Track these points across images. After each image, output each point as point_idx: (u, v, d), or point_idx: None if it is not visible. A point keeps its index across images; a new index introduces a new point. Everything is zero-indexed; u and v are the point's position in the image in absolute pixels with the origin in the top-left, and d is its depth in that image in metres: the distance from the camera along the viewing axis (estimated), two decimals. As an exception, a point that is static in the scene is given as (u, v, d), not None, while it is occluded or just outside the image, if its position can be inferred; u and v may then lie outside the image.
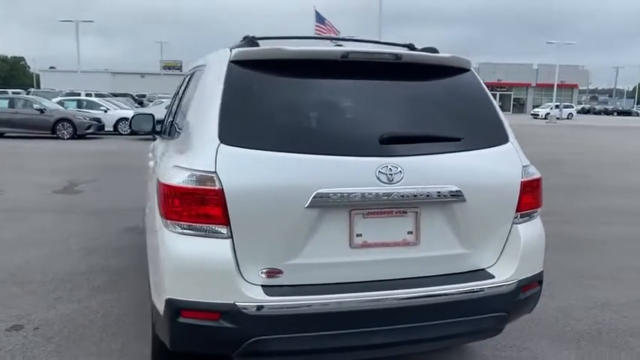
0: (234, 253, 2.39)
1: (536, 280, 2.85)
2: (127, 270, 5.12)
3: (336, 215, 2.49)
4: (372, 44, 3.14)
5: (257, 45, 2.72)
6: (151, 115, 4.97)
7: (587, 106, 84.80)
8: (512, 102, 74.38)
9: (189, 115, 2.86)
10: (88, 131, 20.79)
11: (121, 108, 24.62)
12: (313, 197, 2.41)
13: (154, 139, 5.24)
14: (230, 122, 2.47)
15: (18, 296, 4.41)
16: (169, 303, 2.43)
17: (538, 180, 2.84)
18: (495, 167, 2.74)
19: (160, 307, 2.52)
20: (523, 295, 2.77)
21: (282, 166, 2.43)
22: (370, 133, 2.59)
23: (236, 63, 2.61)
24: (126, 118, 22.90)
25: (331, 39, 3.19)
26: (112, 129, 22.67)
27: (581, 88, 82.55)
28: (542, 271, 2.89)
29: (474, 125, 2.79)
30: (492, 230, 2.74)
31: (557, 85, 59.34)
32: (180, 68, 79.65)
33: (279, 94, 2.63)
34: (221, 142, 2.43)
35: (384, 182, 2.48)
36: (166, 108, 5.24)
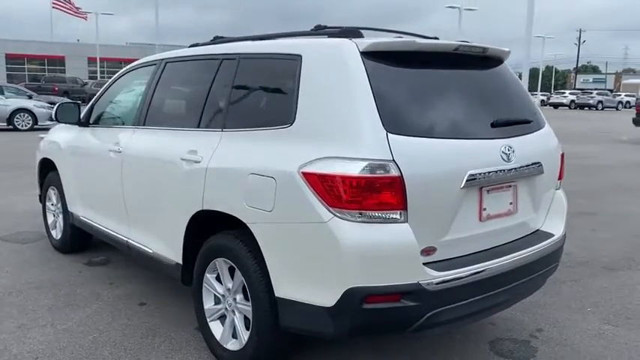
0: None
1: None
2: (65, 283, 4.46)
3: (472, 193, 2.77)
4: (395, 34, 3.32)
5: (362, 36, 2.80)
6: (77, 104, 4.79)
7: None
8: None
9: (302, 105, 2.69)
10: None
11: None
12: (467, 179, 2.67)
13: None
14: (388, 112, 2.55)
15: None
16: (351, 293, 2.44)
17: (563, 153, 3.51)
18: (550, 144, 3.32)
19: (328, 299, 2.50)
20: (564, 248, 3.43)
21: (443, 150, 2.63)
22: (485, 117, 2.92)
23: (366, 54, 2.67)
24: None
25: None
26: None
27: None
28: None
29: (527, 109, 3.30)
30: (546, 196, 3.32)
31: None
32: None
33: (416, 84, 2.77)
34: (388, 132, 2.51)
35: (505, 161, 2.85)
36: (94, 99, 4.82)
